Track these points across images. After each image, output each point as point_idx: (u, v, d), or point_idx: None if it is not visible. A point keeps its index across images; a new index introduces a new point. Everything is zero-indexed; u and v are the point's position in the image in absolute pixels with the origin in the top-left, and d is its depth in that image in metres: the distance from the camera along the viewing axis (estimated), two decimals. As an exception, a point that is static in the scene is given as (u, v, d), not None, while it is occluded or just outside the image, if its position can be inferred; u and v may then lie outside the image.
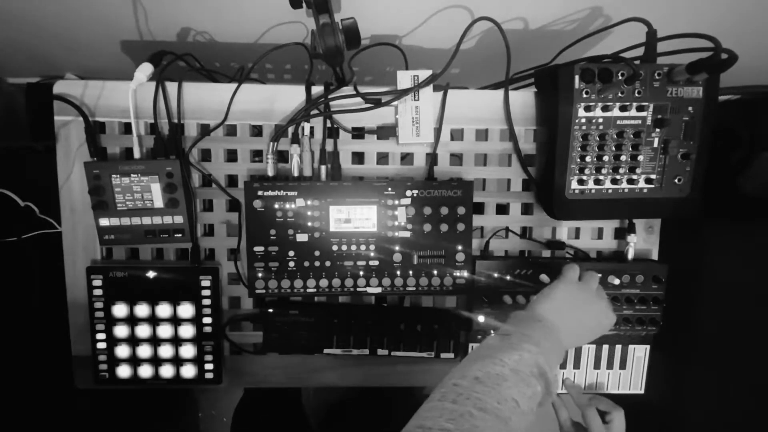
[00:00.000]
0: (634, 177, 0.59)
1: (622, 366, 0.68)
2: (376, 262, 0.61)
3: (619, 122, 0.58)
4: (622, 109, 0.57)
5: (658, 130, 0.58)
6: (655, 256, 0.68)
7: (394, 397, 0.80)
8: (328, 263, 0.61)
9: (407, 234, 0.61)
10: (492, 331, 0.58)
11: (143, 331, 0.62)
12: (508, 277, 0.63)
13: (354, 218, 0.60)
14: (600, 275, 0.57)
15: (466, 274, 0.62)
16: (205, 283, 0.62)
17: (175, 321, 0.63)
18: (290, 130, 0.62)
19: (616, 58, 0.56)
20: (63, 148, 0.62)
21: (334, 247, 0.61)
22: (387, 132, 0.62)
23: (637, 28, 0.54)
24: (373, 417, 0.82)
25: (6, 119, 0.76)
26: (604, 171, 0.60)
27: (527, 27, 0.63)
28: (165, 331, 0.62)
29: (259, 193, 0.59)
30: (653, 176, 0.60)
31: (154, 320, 0.62)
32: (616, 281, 0.63)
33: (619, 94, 0.57)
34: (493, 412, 0.38)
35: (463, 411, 0.37)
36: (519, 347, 0.44)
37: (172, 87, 0.61)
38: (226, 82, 0.65)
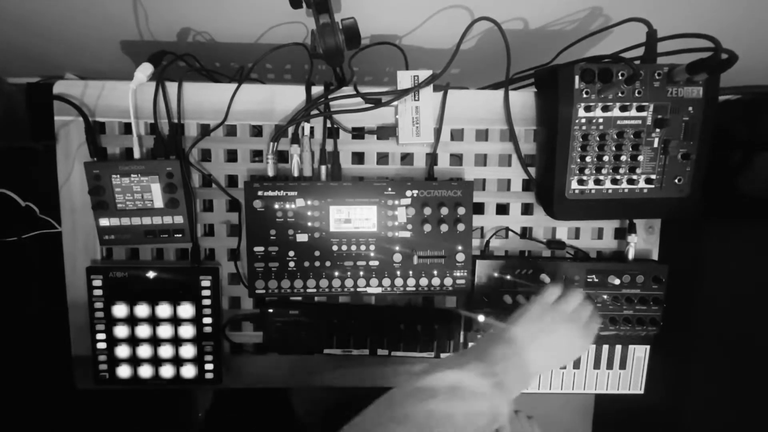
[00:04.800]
0: (634, 177, 0.59)
1: (622, 366, 0.68)
2: (376, 263, 0.61)
3: (619, 122, 0.58)
4: (622, 109, 0.57)
5: (658, 130, 0.58)
6: (655, 256, 0.68)
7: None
8: (328, 263, 0.61)
9: (407, 234, 0.61)
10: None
11: (143, 331, 0.62)
12: (508, 277, 0.63)
13: (354, 218, 0.60)
14: (584, 293, 0.54)
15: (466, 274, 0.62)
16: (205, 283, 0.62)
17: (175, 321, 0.63)
18: (290, 130, 0.62)
19: (616, 58, 0.56)
20: (63, 148, 0.62)
21: (334, 248, 0.61)
22: (387, 132, 0.62)
23: (637, 28, 0.54)
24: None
25: (6, 119, 0.76)
26: (604, 171, 0.60)
27: (527, 27, 0.63)
28: (165, 331, 0.62)
29: (259, 193, 0.59)
30: (653, 176, 0.60)
31: (154, 320, 0.62)
32: (617, 281, 0.63)
33: (619, 94, 0.57)
34: (416, 423, 0.39)
35: (386, 418, 0.39)
36: (467, 366, 0.44)
37: (172, 87, 0.61)
38: (226, 82, 0.65)
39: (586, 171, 0.59)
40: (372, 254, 0.61)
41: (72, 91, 0.61)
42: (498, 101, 0.63)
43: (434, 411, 0.40)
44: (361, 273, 0.61)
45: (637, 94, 0.57)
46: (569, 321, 0.51)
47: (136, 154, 0.60)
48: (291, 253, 0.61)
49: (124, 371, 0.63)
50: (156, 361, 0.63)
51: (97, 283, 0.61)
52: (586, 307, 0.53)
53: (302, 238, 0.60)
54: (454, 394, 0.42)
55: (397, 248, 0.61)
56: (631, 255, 0.65)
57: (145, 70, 0.59)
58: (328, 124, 0.62)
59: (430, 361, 0.47)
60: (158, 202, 0.61)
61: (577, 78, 0.56)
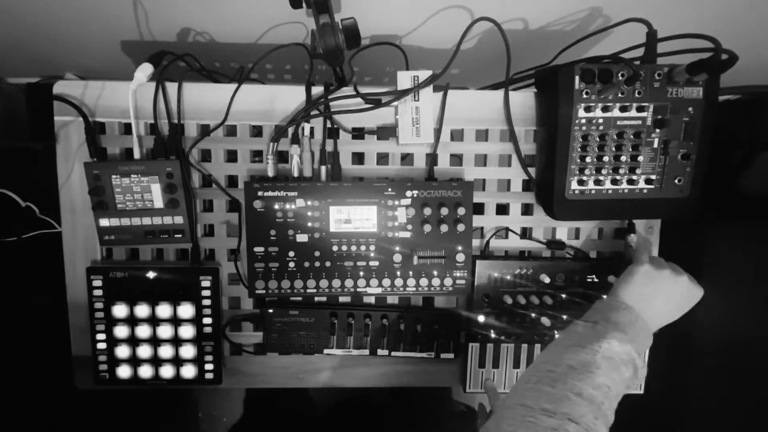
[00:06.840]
0: (634, 177, 0.59)
1: (622, 366, 0.68)
2: (376, 263, 0.61)
3: (619, 123, 0.58)
4: (622, 109, 0.57)
5: (658, 130, 0.58)
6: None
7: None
8: (328, 264, 0.61)
9: (407, 234, 0.61)
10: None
11: (143, 331, 0.62)
12: (508, 277, 0.63)
13: (354, 219, 0.60)
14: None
15: (466, 274, 0.62)
16: (205, 283, 0.62)
17: (175, 321, 0.63)
18: (290, 130, 0.61)
19: (616, 59, 0.56)
20: (63, 148, 0.62)
21: (334, 248, 0.61)
22: (387, 132, 0.62)
23: (637, 29, 0.54)
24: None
25: (6, 119, 0.76)
26: (604, 171, 0.59)
27: (527, 27, 0.63)
28: (165, 331, 0.63)
29: (259, 193, 0.59)
30: (653, 177, 0.60)
31: (154, 321, 0.62)
32: (616, 281, 0.63)
33: (619, 95, 0.57)
34: (588, 398, 0.41)
35: (561, 395, 0.41)
36: (608, 336, 0.46)
37: (172, 87, 0.61)
38: (226, 82, 0.65)
39: (586, 171, 0.59)
40: (372, 254, 0.61)
41: (72, 91, 0.61)
42: (498, 101, 0.63)
43: (600, 384, 0.43)
44: (361, 273, 0.61)
45: (637, 95, 0.57)
46: (677, 275, 0.54)
47: (136, 155, 0.60)
48: (291, 254, 0.61)
49: (124, 371, 0.63)
50: (156, 362, 0.63)
51: (97, 283, 0.61)
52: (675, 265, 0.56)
53: (302, 238, 0.60)
54: (611, 366, 0.44)
55: (397, 248, 0.61)
56: (630, 255, 0.65)
57: (145, 70, 0.59)
58: (328, 125, 0.62)
59: (566, 329, 0.51)
60: (158, 203, 0.61)
61: (577, 78, 0.56)
